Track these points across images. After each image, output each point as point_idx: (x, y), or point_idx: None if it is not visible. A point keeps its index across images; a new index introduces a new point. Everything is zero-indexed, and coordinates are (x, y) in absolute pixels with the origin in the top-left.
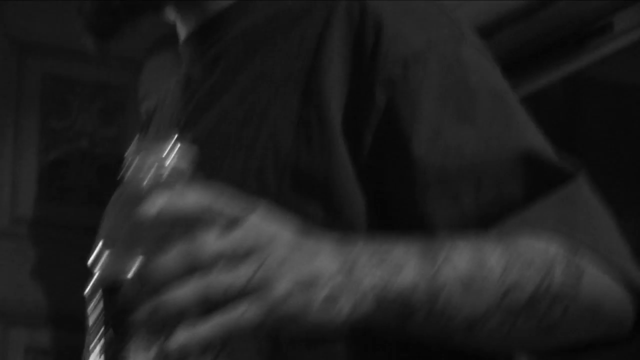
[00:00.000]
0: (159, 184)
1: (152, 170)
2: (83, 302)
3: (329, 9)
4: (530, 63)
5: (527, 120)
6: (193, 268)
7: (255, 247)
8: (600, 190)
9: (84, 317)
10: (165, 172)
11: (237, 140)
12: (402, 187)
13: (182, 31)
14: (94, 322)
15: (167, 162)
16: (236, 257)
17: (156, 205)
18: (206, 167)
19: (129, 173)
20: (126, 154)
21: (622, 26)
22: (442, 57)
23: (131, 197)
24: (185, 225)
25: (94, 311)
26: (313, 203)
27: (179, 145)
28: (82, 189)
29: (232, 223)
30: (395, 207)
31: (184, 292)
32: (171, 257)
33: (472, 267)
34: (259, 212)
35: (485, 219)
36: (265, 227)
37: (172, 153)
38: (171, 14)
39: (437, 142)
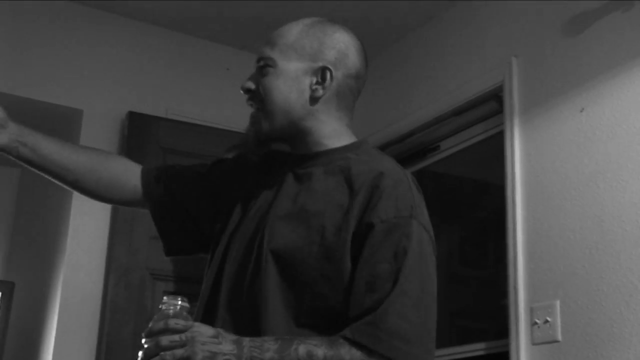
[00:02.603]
0: (168, 315)
1: (170, 309)
2: (191, 268)
3: (366, 176)
4: (399, 163)
5: (406, 287)
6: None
7: (188, 333)
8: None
9: (191, 276)
10: (172, 311)
11: (304, 221)
12: (350, 280)
13: (293, 150)
14: None
15: (175, 307)
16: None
17: (165, 324)
18: (286, 225)
19: (162, 309)
20: (163, 300)
21: (445, 146)
22: (399, 225)
23: (158, 319)
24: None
25: None
26: (332, 266)
27: (183, 301)
28: None
29: (180, 331)
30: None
31: (165, 341)
32: (163, 338)
33: (307, 355)
34: (196, 327)
35: (354, 318)
36: (197, 328)
37: (178, 303)
38: (288, 145)
39: (369, 268)
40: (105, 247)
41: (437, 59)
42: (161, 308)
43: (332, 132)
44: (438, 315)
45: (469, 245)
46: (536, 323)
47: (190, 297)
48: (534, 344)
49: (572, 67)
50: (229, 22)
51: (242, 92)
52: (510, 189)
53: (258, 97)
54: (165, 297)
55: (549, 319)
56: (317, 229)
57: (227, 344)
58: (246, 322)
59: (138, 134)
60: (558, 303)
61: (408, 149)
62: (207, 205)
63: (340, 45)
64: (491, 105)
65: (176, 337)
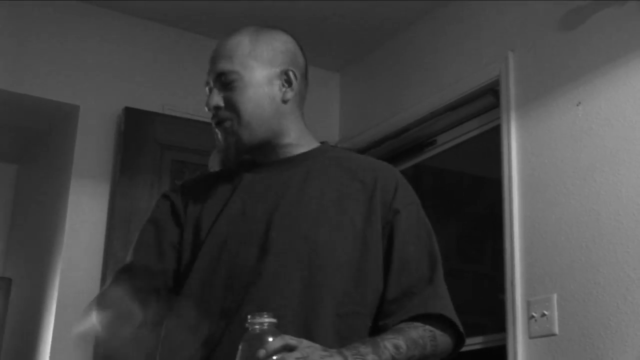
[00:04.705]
0: (260, 335)
1: (265, 326)
2: None
3: (375, 174)
4: (396, 158)
5: (440, 260)
6: None
7: (307, 349)
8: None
9: None
10: (266, 327)
11: (327, 214)
12: (385, 263)
13: (262, 158)
14: None
15: (262, 325)
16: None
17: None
18: (308, 222)
19: (249, 329)
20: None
21: (441, 141)
22: (414, 211)
23: (251, 339)
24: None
25: None
26: (369, 255)
27: (270, 317)
28: None
29: (294, 348)
30: (386, 268)
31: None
32: None
33: (395, 348)
34: (305, 342)
35: (405, 301)
36: (308, 343)
37: (265, 320)
38: (257, 155)
39: (401, 254)
40: (103, 243)
41: (433, 54)
42: (248, 328)
43: (300, 131)
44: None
45: (466, 239)
46: (533, 317)
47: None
48: (531, 337)
49: (568, 61)
50: (225, 17)
51: (208, 109)
52: (506, 183)
53: (229, 112)
54: (250, 317)
55: (546, 312)
56: (346, 219)
57: (336, 356)
58: (296, 317)
59: (134, 129)
60: (555, 297)
61: (404, 144)
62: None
63: (290, 47)
64: (487, 99)
65: (297, 354)
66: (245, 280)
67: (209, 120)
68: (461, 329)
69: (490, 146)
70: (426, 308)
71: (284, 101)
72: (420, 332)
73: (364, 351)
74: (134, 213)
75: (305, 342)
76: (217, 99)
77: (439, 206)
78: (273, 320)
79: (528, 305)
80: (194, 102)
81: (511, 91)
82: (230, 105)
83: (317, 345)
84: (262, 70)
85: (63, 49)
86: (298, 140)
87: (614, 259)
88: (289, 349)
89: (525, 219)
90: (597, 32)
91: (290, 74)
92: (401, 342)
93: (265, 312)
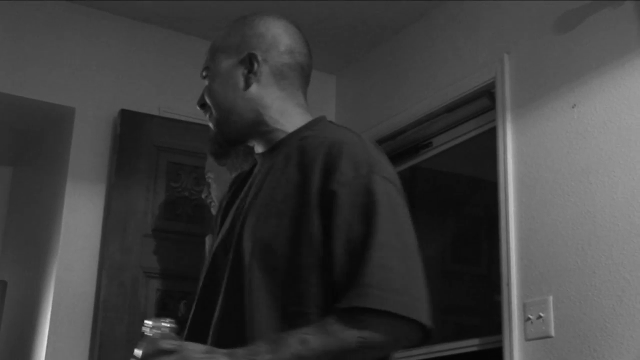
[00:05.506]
0: (155, 339)
1: (155, 333)
2: (184, 266)
3: (318, 149)
4: (392, 160)
5: (383, 239)
6: None
7: (183, 352)
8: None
9: (183, 274)
10: (160, 334)
11: (274, 212)
12: (326, 240)
13: (258, 149)
14: None
15: (162, 330)
16: None
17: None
18: (258, 219)
19: (147, 334)
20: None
21: (437, 143)
22: (360, 184)
23: (147, 344)
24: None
25: None
26: (303, 248)
27: (169, 323)
28: (184, 214)
29: (172, 352)
30: (324, 246)
31: None
32: None
33: (300, 345)
34: (188, 346)
35: (339, 285)
36: (188, 346)
37: (163, 325)
38: (251, 143)
39: (342, 234)
40: (98, 245)
41: (429, 56)
42: (146, 333)
43: (281, 114)
44: (431, 311)
45: (462, 241)
46: (529, 319)
47: (183, 295)
48: (527, 339)
49: (564, 64)
50: (221, 19)
51: (198, 108)
52: (502, 185)
53: (209, 107)
54: (148, 321)
55: (542, 314)
56: (286, 214)
57: (221, 357)
58: (234, 319)
59: (130, 131)
60: (551, 299)
61: (401, 146)
62: None
63: (261, 29)
64: (483, 101)
65: (172, 357)
66: (218, 290)
67: (205, 122)
68: (404, 313)
69: (486, 148)
70: (349, 303)
71: (249, 86)
72: (343, 325)
73: (259, 349)
74: (129, 215)
75: (188, 345)
76: (200, 98)
77: (435, 208)
78: (169, 325)
79: (524, 307)
80: (190, 105)
81: (507, 93)
82: (207, 101)
83: (202, 347)
84: (227, 60)
85: (59, 51)
86: (276, 124)
87: (610, 261)
88: (165, 353)
89: (521, 221)
90: (592, 34)
91: (252, 58)
92: (311, 336)
93: (168, 318)
